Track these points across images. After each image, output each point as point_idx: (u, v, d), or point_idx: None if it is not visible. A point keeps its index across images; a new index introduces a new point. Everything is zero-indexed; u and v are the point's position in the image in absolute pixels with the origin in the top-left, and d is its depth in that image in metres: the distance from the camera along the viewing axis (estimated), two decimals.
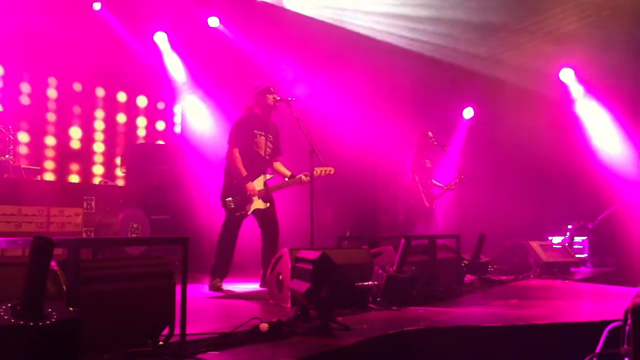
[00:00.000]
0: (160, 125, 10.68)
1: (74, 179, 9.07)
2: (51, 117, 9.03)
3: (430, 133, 8.65)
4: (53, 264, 2.76)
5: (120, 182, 9.37)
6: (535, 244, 8.04)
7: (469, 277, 6.57)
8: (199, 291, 5.95)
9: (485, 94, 11.04)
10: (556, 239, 9.40)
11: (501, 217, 9.96)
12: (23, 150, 8.29)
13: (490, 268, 7.04)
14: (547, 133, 10.23)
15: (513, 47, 10.61)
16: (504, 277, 7.04)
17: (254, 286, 6.43)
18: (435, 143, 8.65)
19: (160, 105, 10.69)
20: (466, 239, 6.47)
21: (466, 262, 6.48)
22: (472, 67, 10.79)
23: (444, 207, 9.21)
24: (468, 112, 11.84)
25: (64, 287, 2.79)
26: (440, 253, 5.80)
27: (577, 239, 9.59)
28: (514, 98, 10.55)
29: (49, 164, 8.84)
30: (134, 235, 7.33)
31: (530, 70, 10.43)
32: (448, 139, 10.16)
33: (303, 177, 6.46)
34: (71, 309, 2.59)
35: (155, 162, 8.78)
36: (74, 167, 9.22)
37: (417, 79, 11.01)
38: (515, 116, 10.39)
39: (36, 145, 8.68)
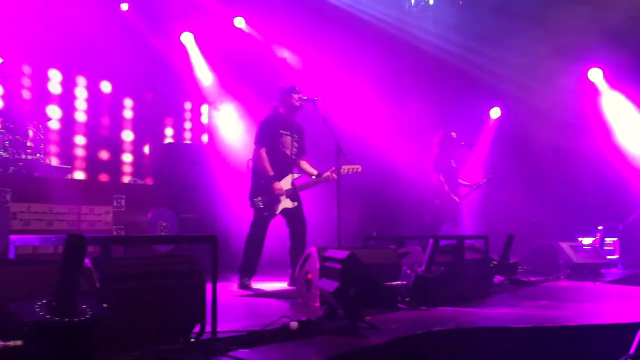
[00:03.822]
0: (188, 125, 10.75)
1: (104, 177, 9.17)
2: (80, 116, 9.14)
3: (453, 133, 8.60)
4: (86, 261, 2.80)
5: (149, 181, 9.46)
6: (565, 245, 7.96)
7: (497, 278, 6.52)
8: (227, 289, 5.99)
9: (513, 94, 10.95)
10: (586, 240, 9.29)
11: (530, 217, 9.87)
12: (53, 149, 8.39)
13: (519, 269, 6.97)
14: (577, 133, 10.12)
15: (541, 45, 10.51)
16: (533, 278, 6.97)
17: (282, 285, 6.45)
18: (462, 143, 8.61)
19: (187, 105, 10.77)
20: (494, 239, 6.42)
21: (495, 263, 6.43)
22: (499, 66, 10.71)
23: (471, 207, 9.16)
24: (495, 112, 11.76)
25: (97, 284, 2.83)
26: (468, 253, 5.75)
27: (607, 240, 9.47)
28: (542, 97, 10.45)
29: (79, 163, 8.95)
30: (162, 234, 7.40)
31: (558, 69, 10.33)
32: (474, 139, 10.10)
33: (330, 175, 6.46)
34: (104, 305, 2.62)
35: (183, 161, 8.85)
36: (104, 166, 9.32)
37: (443, 77, 10.96)
38: (543, 116, 10.29)
39: (66, 144, 8.78)
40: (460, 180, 8.74)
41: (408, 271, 4.75)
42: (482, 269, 5.95)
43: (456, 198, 8.43)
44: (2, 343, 2.32)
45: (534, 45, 10.30)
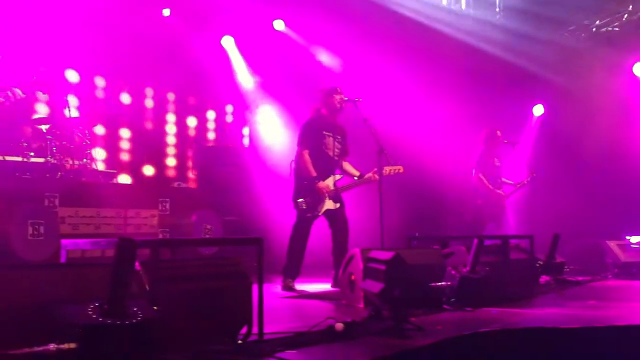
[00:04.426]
0: (229, 128, 10.85)
1: (149, 181, 9.32)
2: (124, 121, 9.30)
3: (498, 132, 8.51)
4: (135, 264, 2.85)
5: (192, 184, 9.58)
6: (612, 244, 7.82)
7: (543, 278, 6.44)
8: (271, 291, 6.02)
9: (556, 91, 10.78)
10: (634, 239, 9.08)
11: (576, 216, 9.69)
12: (100, 154, 8.56)
13: (565, 268, 6.87)
14: (623, 129, 9.92)
15: (585, 40, 10.35)
16: (580, 278, 6.87)
17: (325, 286, 6.47)
18: (505, 141, 8.51)
19: (229, 108, 10.87)
20: (539, 238, 6.33)
21: (540, 263, 6.35)
22: (542, 63, 10.56)
23: (516, 206, 9.05)
24: (538, 109, 11.59)
25: (147, 287, 2.88)
26: (513, 253, 5.69)
27: None
28: (586, 93, 10.26)
29: (124, 168, 9.11)
30: (207, 236, 7.48)
31: (602, 64, 10.14)
32: (517, 137, 9.97)
33: (372, 175, 6.46)
34: (154, 307, 2.67)
35: (225, 164, 8.94)
36: (148, 169, 9.47)
37: (484, 76, 10.85)
38: (588, 112, 10.11)
39: (112, 149, 8.95)
40: (503, 179, 8.64)
41: (452, 272, 4.73)
42: (527, 269, 5.88)
43: (496, 201, 8.34)
44: (56, 346, 2.38)
45: (577, 41, 10.13)
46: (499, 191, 8.41)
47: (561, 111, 10.87)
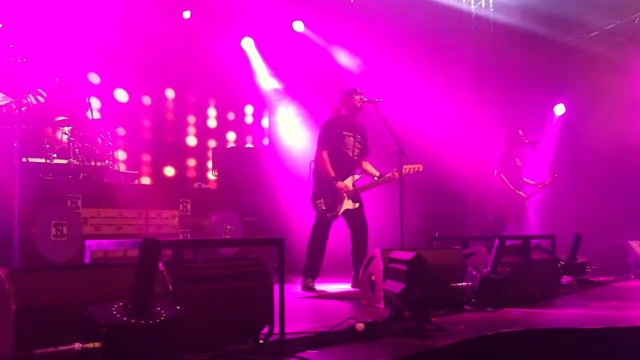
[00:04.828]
0: (249, 129, 10.89)
1: (169, 182, 9.38)
2: (146, 123, 9.38)
3: (520, 131, 8.46)
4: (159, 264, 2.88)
5: (212, 185, 9.62)
6: (634, 244, 7.75)
7: (565, 279, 6.40)
8: (291, 291, 6.04)
9: (577, 90, 10.70)
10: None
11: (598, 216, 9.62)
12: (121, 155, 8.63)
13: (587, 269, 6.82)
14: None
15: (605, 39, 10.26)
16: (602, 278, 6.81)
17: (345, 286, 6.48)
18: (526, 141, 8.46)
19: (248, 109, 10.91)
20: (561, 238, 6.30)
21: (562, 263, 6.32)
22: (563, 62, 10.49)
23: (537, 206, 8.99)
24: (559, 109, 11.51)
25: (170, 287, 2.90)
26: (534, 254, 5.67)
27: None
28: (608, 94, 10.17)
29: (145, 169, 9.18)
30: (227, 237, 7.52)
31: (622, 63, 10.05)
32: (538, 136, 9.91)
33: (392, 175, 6.45)
34: (178, 307, 2.69)
35: (245, 164, 8.97)
36: (169, 170, 9.54)
37: (506, 75, 10.80)
38: (610, 112, 10.02)
39: (133, 150, 9.02)
40: (525, 180, 8.59)
41: (474, 272, 4.71)
42: (549, 270, 5.85)
43: (518, 202, 8.29)
44: (81, 345, 2.41)
45: (597, 40, 10.05)
46: (520, 192, 8.36)
47: (583, 111, 10.79)
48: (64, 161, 6.61)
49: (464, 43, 10.92)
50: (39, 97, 4.41)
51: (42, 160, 6.46)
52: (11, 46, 4.96)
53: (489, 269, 4.72)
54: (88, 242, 3.41)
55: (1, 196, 4.39)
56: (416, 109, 9.63)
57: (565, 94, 11.18)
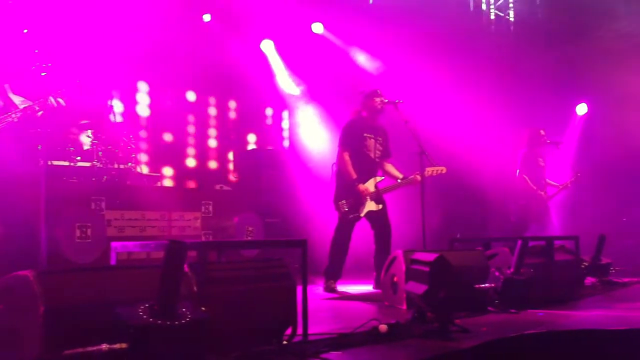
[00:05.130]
0: (269, 131, 10.92)
1: (191, 184, 9.44)
2: (167, 125, 9.44)
3: (542, 131, 8.41)
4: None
5: (233, 187, 9.66)
6: None
7: (589, 280, 6.35)
8: (313, 292, 6.05)
9: (600, 89, 10.60)
10: None
11: (621, 216, 9.52)
12: (143, 158, 8.70)
13: (612, 270, 6.75)
14: None
15: (628, 36, 10.15)
16: (626, 279, 6.73)
17: (367, 288, 6.48)
18: (548, 141, 8.41)
19: (269, 111, 10.94)
20: (585, 239, 6.24)
21: (586, 264, 6.26)
22: (586, 61, 10.40)
23: (560, 207, 8.91)
24: (582, 108, 11.40)
25: (195, 288, 2.93)
26: (558, 255, 5.62)
27: None
28: (631, 93, 10.06)
29: (167, 171, 9.24)
30: (249, 238, 7.55)
31: None
32: (561, 136, 9.83)
33: (415, 177, 6.44)
34: (202, 308, 2.72)
35: (265, 166, 9.00)
36: (190, 173, 9.60)
37: (525, 74, 10.74)
38: (633, 112, 9.91)
39: (155, 152, 9.09)
40: (547, 180, 8.53)
41: (496, 273, 4.69)
42: (573, 271, 5.80)
43: (540, 202, 8.24)
44: (108, 346, 2.44)
45: (621, 39, 9.95)
46: (542, 192, 8.30)
47: (605, 110, 10.69)
48: (88, 164, 6.68)
49: (484, 43, 10.87)
50: (59, 100, 4.46)
51: (66, 163, 6.53)
52: (36, 51, 5.03)
53: (512, 270, 4.69)
54: (114, 244, 3.45)
55: (27, 199, 4.45)
56: (436, 110, 9.60)
57: (587, 94, 11.08)
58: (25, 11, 5.14)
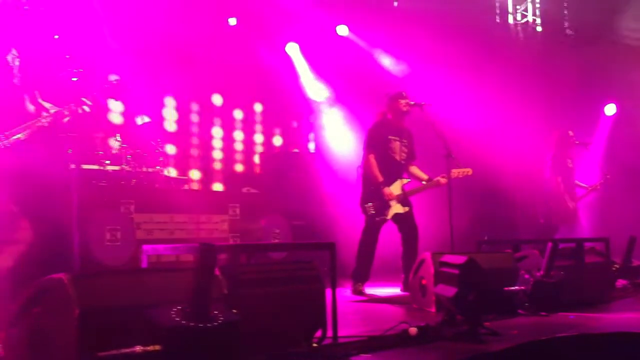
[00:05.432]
0: (295, 134, 10.95)
1: (218, 187, 9.50)
2: (194, 129, 9.51)
3: (570, 132, 8.33)
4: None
5: (260, 190, 9.69)
6: None
7: (620, 282, 6.26)
8: (341, 295, 6.03)
9: (629, 89, 10.47)
10: None
11: None
12: (171, 161, 8.77)
13: None
14: None
15: None
16: None
17: (395, 290, 6.46)
18: (577, 142, 8.32)
19: (294, 114, 10.96)
20: (615, 241, 6.17)
21: (617, 266, 6.18)
22: (614, 61, 10.28)
23: (589, 208, 8.82)
24: (610, 109, 11.27)
25: (225, 290, 2.95)
26: (588, 257, 5.56)
27: None
28: None
29: (195, 174, 9.32)
30: (276, 241, 7.57)
31: None
32: (589, 137, 9.72)
33: (441, 179, 6.43)
34: (234, 311, 2.73)
35: (291, 169, 9.02)
36: (217, 176, 9.66)
37: (552, 75, 10.64)
38: None
39: (182, 156, 9.16)
40: (576, 182, 8.44)
41: (526, 276, 4.66)
42: (603, 273, 5.73)
43: (569, 204, 8.16)
44: (142, 348, 2.46)
45: None
46: (571, 193, 8.22)
47: (634, 110, 10.56)
48: (117, 167, 6.75)
49: (510, 43, 10.79)
50: (85, 107, 4.53)
51: (96, 167, 6.61)
52: (67, 57, 5.11)
53: (542, 272, 4.66)
54: (145, 247, 3.48)
55: (59, 202, 4.52)
56: (462, 111, 9.55)
57: (616, 94, 10.95)
58: (57, 17, 5.21)
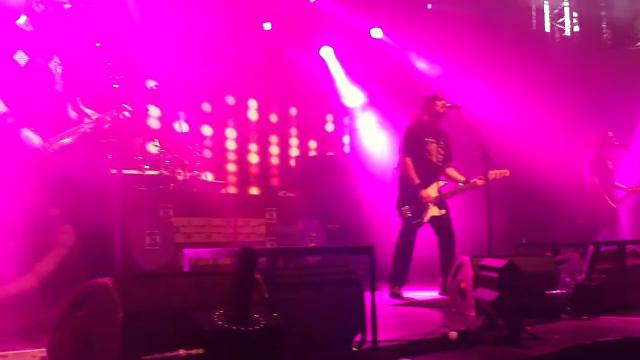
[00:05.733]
0: (330, 137, 10.96)
1: (255, 191, 9.56)
2: (231, 133, 9.59)
3: (610, 133, 8.21)
4: None
5: (295, 193, 9.72)
6: None
7: None
8: (379, 298, 6.00)
9: None
10: None
11: None
12: (208, 165, 8.84)
13: None
14: None
15: None
16: None
17: (433, 294, 6.43)
18: (617, 143, 8.19)
19: (329, 117, 10.99)
20: None
21: None
22: None
23: (630, 210, 8.66)
24: None
25: (266, 294, 2.96)
26: (630, 260, 5.46)
27: None
28: None
29: (231, 178, 9.39)
30: (312, 244, 7.58)
31: None
32: (630, 138, 9.54)
33: (478, 181, 6.38)
34: (275, 314, 2.75)
35: (327, 172, 9.01)
36: (253, 179, 9.73)
37: (590, 75, 10.48)
38: None
39: (218, 160, 9.24)
40: (616, 183, 8.31)
41: (567, 279, 4.60)
42: None
43: (609, 206, 8.04)
44: (185, 351, 2.49)
45: None
46: (611, 195, 8.10)
47: None
48: (156, 172, 6.83)
49: (546, 45, 10.67)
50: (125, 113, 4.61)
51: (135, 172, 6.69)
52: (109, 64, 5.20)
53: (583, 276, 4.59)
54: (186, 251, 3.53)
55: (101, 207, 4.60)
56: (499, 113, 9.45)
57: None
58: (98, 25, 5.31)
